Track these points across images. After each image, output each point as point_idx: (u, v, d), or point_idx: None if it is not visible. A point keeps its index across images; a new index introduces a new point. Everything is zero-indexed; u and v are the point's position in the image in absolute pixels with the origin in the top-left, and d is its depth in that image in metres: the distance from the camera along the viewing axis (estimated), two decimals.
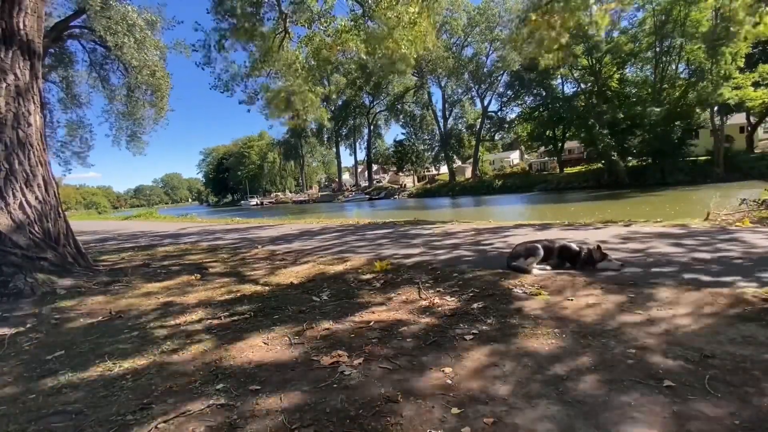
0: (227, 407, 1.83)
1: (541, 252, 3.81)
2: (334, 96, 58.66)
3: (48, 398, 2.07)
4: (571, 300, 2.96)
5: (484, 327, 2.59)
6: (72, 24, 11.91)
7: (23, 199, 4.61)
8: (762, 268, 3.37)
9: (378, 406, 1.76)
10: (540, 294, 3.16)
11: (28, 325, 3.34)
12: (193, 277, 4.77)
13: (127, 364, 2.40)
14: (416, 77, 54.39)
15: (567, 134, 45.13)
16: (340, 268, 4.79)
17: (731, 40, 24.61)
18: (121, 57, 12.34)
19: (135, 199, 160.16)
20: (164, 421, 1.75)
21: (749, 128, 36.08)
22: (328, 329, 2.77)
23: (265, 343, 2.59)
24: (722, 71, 28.25)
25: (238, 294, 3.90)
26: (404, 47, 9.33)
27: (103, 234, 12.92)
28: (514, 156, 65.76)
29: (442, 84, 55.34)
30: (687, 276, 3.32)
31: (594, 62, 37.32)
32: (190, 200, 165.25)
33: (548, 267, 3.81)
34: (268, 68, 11.23)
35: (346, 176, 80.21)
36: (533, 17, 7.86)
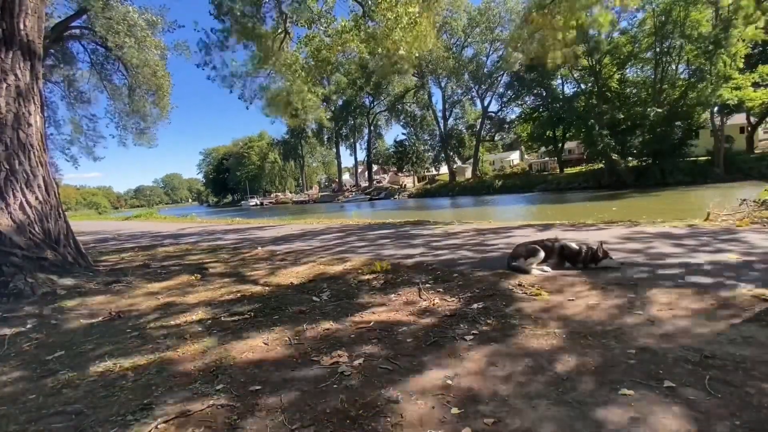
0: (227, 407, 1.83)
1: (542, 253, 3.81)
2: (334, 96, 58.70)
3: (48, 398, 2.07)
4: (572, 300, 2.96)
5: (484, 327, 2.59)
6: (72, 24, 11.94)
7: (23, 200, 4.61)
8: (762, 268, 3.36)
9: (378, 406, 1.76)
10: (540, 294, 3.16)
11: (29, 326, 3.34)
12: (193, 278, 4.77)
13: (127, 364, 2.40)
14: (416, 77, 54.40)
15: (567, 134, 45.09)
16: (340, 268, 4.79)
17: (727, 46, 24.74)
18: (122, 57, 12.40)
19: (135, 199, 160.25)
20: (164, 421, 1.75)
21: (749, 128, 36.06)
22: (328, 329, 2.77)
23: (265, 344, 2.59)
24: (722, 72, 28.25)
25: (239, 294, 3.90)
26: (404, 48, 9.33)
27: (103, 234, 12.92)
28: (515, 156, 65.74)
29: (443, 84, 55.35)
30: (687, 276, 3.31)
31: (594, 63, 37.30)
32: (190, 200, 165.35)
33: (548, 267, 3.81)
34: (268, 69, 11.23)
35: (346, 176, 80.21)
36: (535, 16, 7.85)
